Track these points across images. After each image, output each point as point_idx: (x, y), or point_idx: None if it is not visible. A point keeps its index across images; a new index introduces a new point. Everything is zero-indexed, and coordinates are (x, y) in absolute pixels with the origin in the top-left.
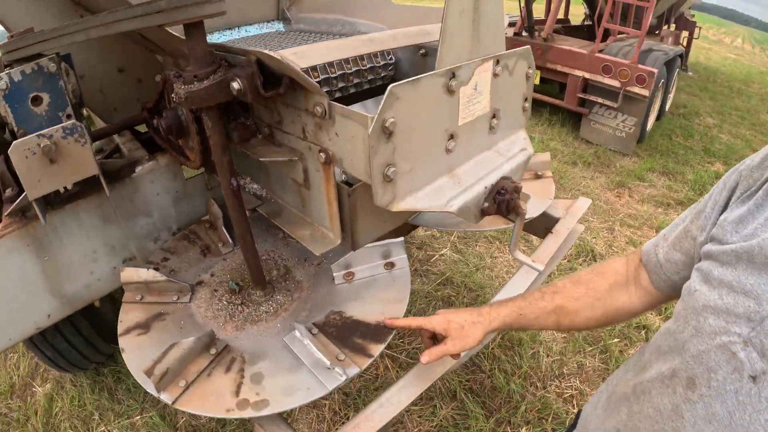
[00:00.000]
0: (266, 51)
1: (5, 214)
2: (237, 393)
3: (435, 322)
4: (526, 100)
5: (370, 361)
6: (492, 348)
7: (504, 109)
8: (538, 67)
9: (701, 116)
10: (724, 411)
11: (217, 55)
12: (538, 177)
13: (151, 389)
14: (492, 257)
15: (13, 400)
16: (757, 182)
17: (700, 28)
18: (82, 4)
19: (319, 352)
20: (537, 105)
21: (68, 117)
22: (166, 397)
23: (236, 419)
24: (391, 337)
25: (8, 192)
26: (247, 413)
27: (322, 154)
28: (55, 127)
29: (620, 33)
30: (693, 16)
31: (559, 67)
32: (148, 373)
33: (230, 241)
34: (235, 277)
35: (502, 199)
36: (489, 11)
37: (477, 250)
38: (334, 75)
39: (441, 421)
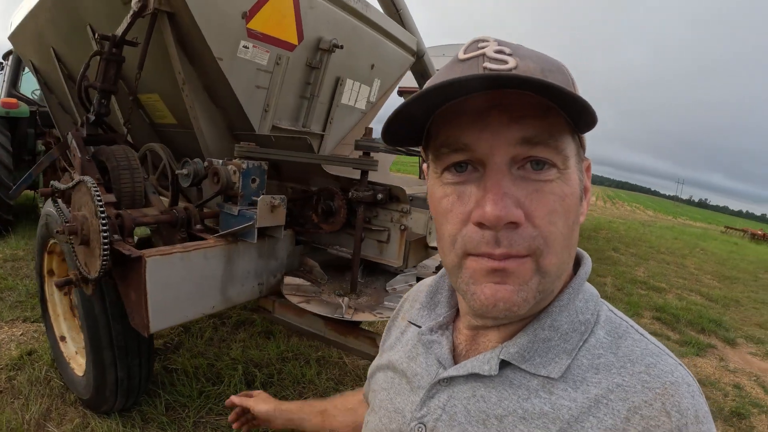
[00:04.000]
0: (397, 185)
1: (218, 235)
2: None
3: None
4: None
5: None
6: None
7: None
8: None
9: None
10: None
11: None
12: None
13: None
14: None
15: None
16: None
17: None
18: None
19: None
20: None
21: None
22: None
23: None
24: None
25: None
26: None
27: (402, 227)
28: (278, 195)
29: None
30: None
31: None
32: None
33: (326, 276)
34: (336, 289)
35: None
36: None
37: None
38: None
39: None
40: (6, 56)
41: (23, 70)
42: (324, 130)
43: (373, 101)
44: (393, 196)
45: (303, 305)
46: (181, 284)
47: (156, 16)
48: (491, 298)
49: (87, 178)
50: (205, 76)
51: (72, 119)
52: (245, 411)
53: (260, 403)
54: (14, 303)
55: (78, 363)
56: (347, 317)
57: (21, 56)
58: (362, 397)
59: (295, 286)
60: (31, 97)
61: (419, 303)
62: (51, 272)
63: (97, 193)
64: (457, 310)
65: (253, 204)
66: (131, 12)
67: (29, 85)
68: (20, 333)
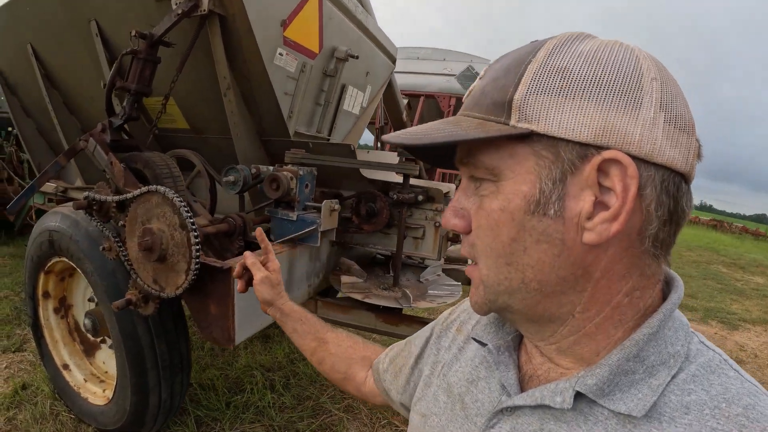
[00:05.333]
0: (435, 186)
1: (281, 240)
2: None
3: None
4: None
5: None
6: None
7: None
8: None
9: None
10: None
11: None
12: None
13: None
14: None
15: None
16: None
17: None
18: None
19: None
20: None
21: (314, 198)
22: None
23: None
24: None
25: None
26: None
27: (436, 224)
28: (333, 200)
29: None
30: None
31: None
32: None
33: (365, 274)
34: (380, 283)
35: None
36: None
37: None
38: None
39: None
40: None
41: None
42: (329, 135)
43: (365, 106)
44: (429, 196)
45: (367, 300)
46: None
47: (206, 18)
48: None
49: (162, 188)
50: (245, 82)
51: (35, 124)
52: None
53: (264, 285)
54: None
55: (91, 391)
56: (413, 306)
57: None
58: (369, 354)
59: (351, 284)
60: None
61: (487, 319)
62: (46, 294)
63: (183, 203)
64: None
65: (306, 209)
66: (176, 11)
67: None
68: (4, 366)
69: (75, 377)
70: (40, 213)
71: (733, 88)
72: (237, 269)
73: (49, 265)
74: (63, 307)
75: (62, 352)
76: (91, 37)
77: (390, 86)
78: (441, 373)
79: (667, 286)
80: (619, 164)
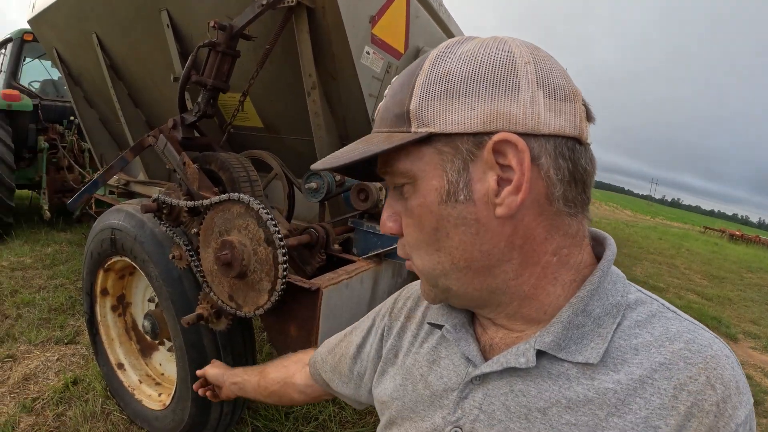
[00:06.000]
0: None
1: (368, 256)
2: None
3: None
4: None
5: None
6: None
7: None
8: None
9: None
10: None
11: None
12: None
13: None
14: None
15: None
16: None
17: None
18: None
19: None
20: None
21: None
22: None
23: None
24: None
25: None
26: None
27: None
28: None
29: None
30: None
31: None
32: None
33: None
34: None
35: None
36: None
37: None
38: None
39: None
40: (4, 44)
41: (23, 60)
42: None
43: None
44: None
45: None
46: (342, 313)
47: (293, 9)
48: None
49: (246, 197)
50: (330, 80)
51: (98, 114)
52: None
53: (213, 368)
54: (38, 321)
55: (146, 394)
56: None
57: (42, 42)
58: (301, 358)
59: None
60: (29, 88)
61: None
62: (105, 291)
63: (271, 217)
64: None
65: None
66: (260, 2)
67: (27, 75)
68: (56, 358)
69: (129, 377)
70: (100, 204)
71: None
72: (196, 385)
73: (109, 263)
74: (121, 305)
75: (117, 350)
76: (161, 27)
77: None
78: (398, 360)
79: (600, 245)
80: (509, 143)
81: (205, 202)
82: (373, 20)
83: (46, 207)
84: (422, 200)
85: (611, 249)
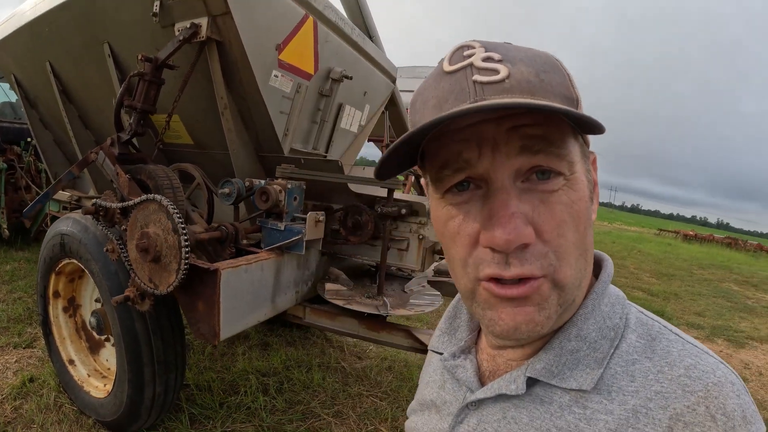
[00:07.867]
0: (418, 201)
1: (269, 248)
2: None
3: None
4: None
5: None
6: None
7: None
8: None
9: None
10: None
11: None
12: None
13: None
14: None
15: None
16: None
17: None
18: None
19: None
20: None
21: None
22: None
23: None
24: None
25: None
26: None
27: (420, 237)
28: (319, 211)
29: None
30: None
31: None
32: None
33: (351, 283)
34: (362, 293)
35: None
36: None
37: None
38: None
39: None
40: None
41: None
42: (327, 152)
43: (363, 125)
44: (413, 210)
45: (348, 306)
46: (244, 294)
47: (204, 43)
48: (511, 322)
49: (159, 197)
50: (242, 102)
51: (52, 136)
52: None
53: None
54: None
55: (93, 385)
56: (392, 313)
57: (1, 68)
58: None
59: (335, 291)
60: None
61: (439, 330)
62: (56, 294)
63: (176, 210)
64: (479, 331)
65: (295, 220)
66: (178, 37)
67: None
68: (14, 360)
69: (79, 372)
70: (56, 220)
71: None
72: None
73: (60, 266)
74: (72, 307)
75: (69, 348)
76: (104, 57)
77: (395, 104)
78: (420, 394)
79: (597, 266)
80: (595, 160)
81: (130, 202)
82: (280, 47)
83: (4, 226)
84: (580, 195)
85: (607, 270)
